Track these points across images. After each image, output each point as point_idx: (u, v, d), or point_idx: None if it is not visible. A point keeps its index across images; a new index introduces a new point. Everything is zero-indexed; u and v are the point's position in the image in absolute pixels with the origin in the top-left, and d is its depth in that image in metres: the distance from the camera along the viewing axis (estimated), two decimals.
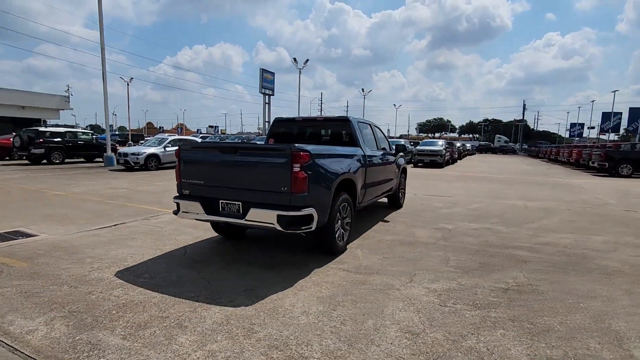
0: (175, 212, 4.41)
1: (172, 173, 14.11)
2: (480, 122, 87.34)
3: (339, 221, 4.57)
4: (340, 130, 5.69)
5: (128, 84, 40.45)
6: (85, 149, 18.13)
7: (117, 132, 46.23)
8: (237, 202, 4.02)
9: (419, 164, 22.32)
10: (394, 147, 7.38)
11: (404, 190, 8.23)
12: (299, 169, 3.70)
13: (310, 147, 3.92)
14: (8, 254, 4.39)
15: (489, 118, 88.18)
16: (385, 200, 7.72)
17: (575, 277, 3.96)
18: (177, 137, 20.00)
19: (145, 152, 15.08)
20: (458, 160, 30.17)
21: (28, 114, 29.22)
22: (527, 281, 3.83)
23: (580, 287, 3.70)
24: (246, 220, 3.87)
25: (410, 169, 19.40)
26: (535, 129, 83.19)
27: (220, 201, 4.13)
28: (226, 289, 3.51)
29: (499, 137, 62.81)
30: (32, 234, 5.37)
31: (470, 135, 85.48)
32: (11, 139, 17.12)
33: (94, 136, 19.16)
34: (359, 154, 5.24)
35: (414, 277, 3.88)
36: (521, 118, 73.56)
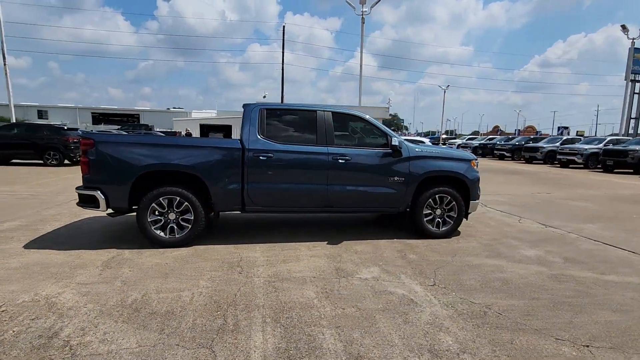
0: None
1: None
2: None
3: (167, 214, 4.32)
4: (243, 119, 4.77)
5: (444, 91, 42.75)
6: None
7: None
8: None
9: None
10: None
11: (455, 212, 4.97)
12: (80, 153, 4.17)
13: (96, 135, 4.20)
14: None
15: None
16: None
17: None
18: (410, 137, 19.99)
19: None
20: None
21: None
22: None
23: None
24: None
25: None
26: None
27: None
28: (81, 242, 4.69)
29: None
30: None
31: None
32: None
33: None
34: (227, 147, 4.39)
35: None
36: None
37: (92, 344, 2.35)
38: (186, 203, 4.33)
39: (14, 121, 18.43)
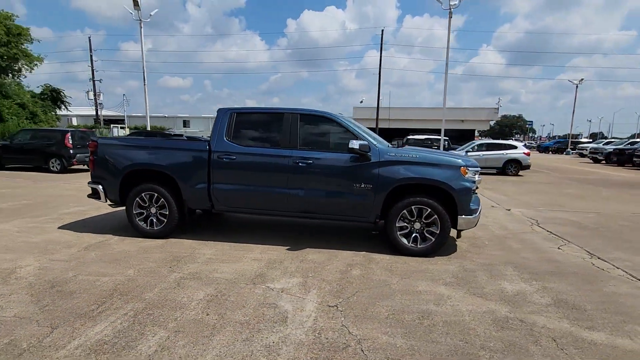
0: None
1: None
2: None
3: (149, 208, 4.82)
4: None
5: (577, 86, 35.19)
6: None
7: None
8: None
9: None
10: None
11: (437, 227, 4.17)
12: (89, 153, 4.99)
13: (100, 138, 4.93)
14: None
15: None
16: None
17: None
18: (488, 141, 17.02)
19: None
20: None
21: (465, 126, 34.85)
22: None
23: None
24: None
25: None
26: None
27: None
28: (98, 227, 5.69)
29: None
30: None
31: None
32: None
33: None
34: (195, 148, 4.65)
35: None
36: None
37: None
38: (162, 199, 4.75)
39: (148, 129, 22.82)
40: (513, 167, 14.57)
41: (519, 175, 14.63)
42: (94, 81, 39.41)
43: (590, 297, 3.26)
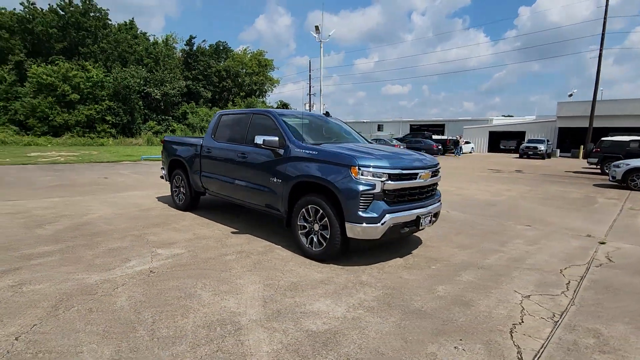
0: None
1: None
2: None
3: (179, 188, 6.46)
4: None
5: None
6: None
7: None
8: None
9: None
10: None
11: (328, 231, 3.65)
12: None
13: (165, 137, 6.89)
14: None
15: None
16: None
17: None
18: None
19: (627, 165, 10.16)
20: None
21: None
22: None
23: None
24: None
25: None
26: None
27: None
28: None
29: None
30: None
31: None
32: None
33: None
34: (195, 144, 5.84)
35: None
36: None
37: (40, 225, 4.98)
38: (183, 181, 6.26)
39: None
40: None
41: None
42: (310, 95, 48.38)
43: (381, 345, 2.31)
